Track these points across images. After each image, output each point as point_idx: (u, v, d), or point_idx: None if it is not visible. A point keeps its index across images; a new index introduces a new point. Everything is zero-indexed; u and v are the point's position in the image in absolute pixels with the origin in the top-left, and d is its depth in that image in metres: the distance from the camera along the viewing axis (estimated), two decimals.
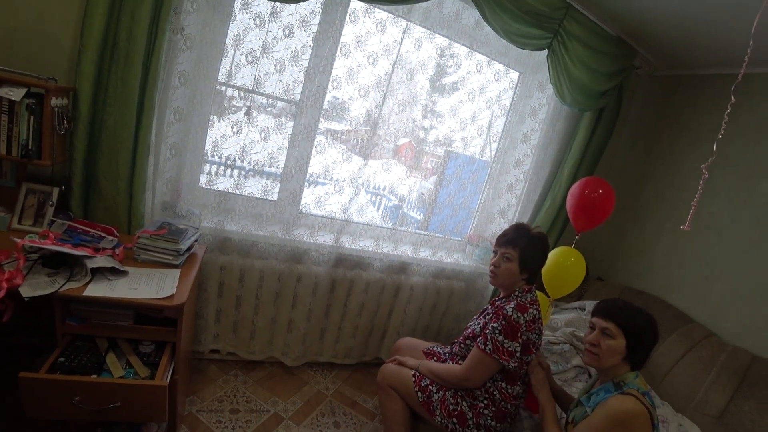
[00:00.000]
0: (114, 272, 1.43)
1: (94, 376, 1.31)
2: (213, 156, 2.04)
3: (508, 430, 1.67)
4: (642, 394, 1.23)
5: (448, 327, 2.74)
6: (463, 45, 2.25)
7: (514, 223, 1.85)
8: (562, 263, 2.12)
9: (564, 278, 2.12)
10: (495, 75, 2.42)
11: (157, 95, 1.67)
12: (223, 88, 1.96)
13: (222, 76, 1.91)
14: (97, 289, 1.32)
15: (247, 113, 1.98)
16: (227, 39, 1.84)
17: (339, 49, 1.99)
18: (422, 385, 1.67)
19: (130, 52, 1.57)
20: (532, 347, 1.57)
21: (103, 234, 1.60)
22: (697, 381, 2.07)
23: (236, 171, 2.09)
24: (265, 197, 2.11)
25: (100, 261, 1.41)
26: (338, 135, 2.29)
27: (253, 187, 2.08)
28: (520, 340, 1.53)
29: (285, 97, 2.01)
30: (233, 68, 1.91)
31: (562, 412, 1.63)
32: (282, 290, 2.18)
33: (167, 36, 1.62)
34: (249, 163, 2.05)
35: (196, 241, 1.76)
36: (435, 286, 2.54)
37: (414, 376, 1.71)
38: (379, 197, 2.61)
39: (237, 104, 2.02)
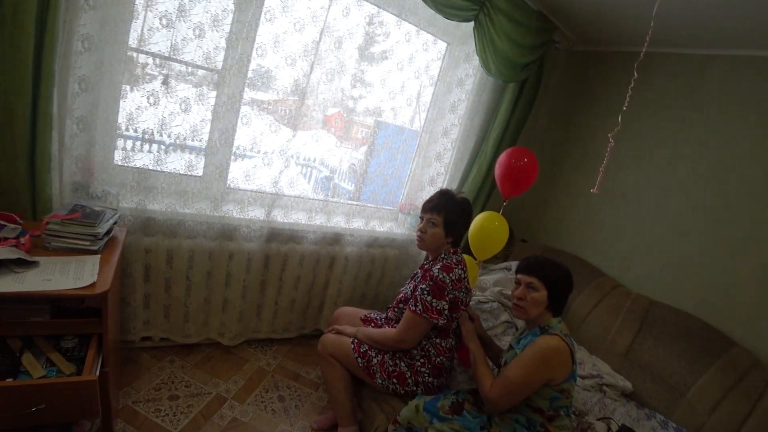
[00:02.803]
0: (21, 264, 1.28)
1: (10, 380, 1.18)
2: (128, 130, 1.86)
3: (445, 384, 1.79)
4: (564, 335, 1.40)
5: (384, 294, 2.81)
6: (392, 13, 2.23)
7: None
8: (486, 227, 2.23)
9: (489, 241, 2.24)
10: (423, 45, 2.43)
11: (57, 61, 1.46)
12: (135, 55, 1.77)
13: (133, 41, 1.72)
14: (2, 284, 1.18)
15: (164, 82, 1.82)
16: None
17: (263, 14, 1.89)
18: (361, 351, 1.73)
19: (17, 11, 1.36)
20: (460, 304, 1.69)
21: (3, 222, 1.42)
22: (607, 326, 2.34)
23: (156, 146, 1.93)
24: (189, 173, 1.98)
25: (2, 252, 1.26)
26: (265, 105, 2.20)
27: (176, 163, 1.94)
28: (447, 299, 1.63)
29: (206, 65, 1.88)
30: (146, 32, 1.73)
31: (495, 366, 1.78)
32: (214, 269, 2.11)
33: None
34: (169, 136, 1.91)
35: (115, 223, 1.63)
36: (369, 255, 2.59)
37: (353, 343, 1.77)
38: (309, 169, 2.57)
39: (152, 72, 1.85)
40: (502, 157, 2.27)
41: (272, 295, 2.36)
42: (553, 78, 3.15)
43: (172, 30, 1.76)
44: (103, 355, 1.39)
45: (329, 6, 1.99)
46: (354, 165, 2.65)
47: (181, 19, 1.75)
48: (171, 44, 1.78)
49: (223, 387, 2.05)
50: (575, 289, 2.46)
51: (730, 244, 2.24)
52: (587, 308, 2.44)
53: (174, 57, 1.80)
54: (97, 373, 1.31)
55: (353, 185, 2.65)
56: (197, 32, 1.79)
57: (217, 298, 2.17)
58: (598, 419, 1.73)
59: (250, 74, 1.97)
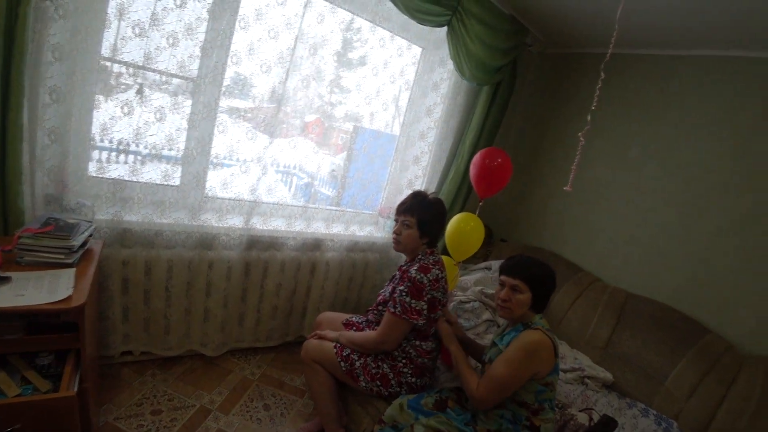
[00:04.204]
0: None
1: None
2: (102, 141, 1.83)
3: (428, 384, 1.80)
4: (546, 330, 1.44)
5: (366, 298, 2.82)
6: (366, 19, 2.26)
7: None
8: (462, 228, 2.27)
9: (465, 242, 2.28)
10: (398, 50, 2.46)
11: (27, 72, 1.44)
12: (108, 64, 1.75)
13: (106, 50, 1.70)
14: None
15: (139, 92, 1.80)
16: (109, 7, 1.64)
17: (237, 22, 1.89)
18: (344, 354, 1.74)
19: None
20: (438, 305, 1.71)
21: None
22: (586, 320, 2.40)
23: (131, 156, 1.91)
24: (166, 183, 1.97)
25: None
26: (242, 113, 2.19)
27: (152, 173, 1.92)
28: (425, 299, 1.65)
29: (180, 74, 1.87)
30: (118, 41, 1.71)
31: (477, 363, 1.80)
32: (194, 279, 2.08)
33: (33, 3, 1.40)
34: (145, 146, 1.89)
35: (90, 235, 1.60)
36: (350, 260, 2.60)
37: (335, 347, 1.77)
38: (290, 176, 2.57)
39: (126, 82, 1.83)
40: (477, 158, 2.31)
41: (254, 303, 2.34)
42: (526, 80, 3.23)
43: (145, 39, 1.74)
44: (81, 371, 1.36)
45: (303, 13, 2.00)
46: (334, 171, 2.66)
47: (155, 27, 1.74)
48: (144, 53, 1.77)
49: (207, 399, 2.02)
50: None
51: (700, 236, 2.33)
52: (567, 304, 2.50)
53: (148, 66, 1.79)
54: (75, 390, 1.28)
55: (334, 191, 2.66)
56: (171, 41, 1.79)
57: (198, 308, 2.15)
58: (581, 410, 1.76)
59: (227, 82, 1.97)
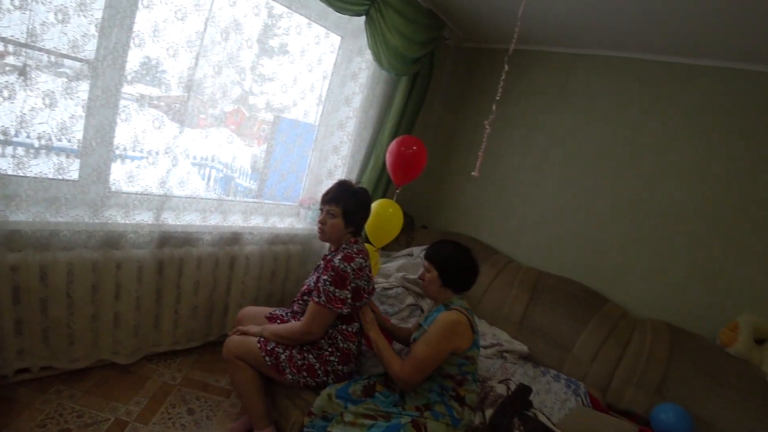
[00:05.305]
0: None
1: None
2: None
3: (355, 370, 1.83)
4: (465, 309, 1.56)
5: (290, 291, 2.76)
6: (282, 4, 2.19)
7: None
8: (381, 214, 2.31)
9: (384, 228, 2.33)
10: (315, 38, 2.42)
11: None
12: None
13: None
14: None
15: (22, 73, 1.60)
16: None
17: (140, 0, 1.74)
18: (268, 348, 1.70)
19: None
20: (362, 293, 1.74)
21: None
22: (503, 298, 2.57)
23: (14, 147, 1.69)
24: (60, 177, 1.76)
25: None
26: (150, 100, 2.03)
27: (42, 166, 1.71)
28: (349, 288, 1.67)
29: (73, 55, 1.68)
30: None
31: (404, 347, 1.86)
32: (99, 282, 1.90)
33: None
34: (31, 136, 1.68)
35: None
36: (272, 253, 2.53)
37: (259, 342, 1.72)
38: (207, 169, 2.43)
39: (5, 61, 1.61)
40: (392, 146, 2.36)
41: (170, 304, 2.19)
42: (444, 71, 3.35)
43: (27, 12, 1.54)
44: None
45: None
46: (255, 162, 2.57)
47: (39, 0, 1.54)
48: (28, 29, 1.56)
49: (123, 410, 1.86)
50: None
51: (597, 216, 2.60)
52: (485, 284, 2.66)
53: (32, 44, 1.59)
54: None
55: (255, 183, 2.57)
56: (60, 16, 1.59)
57: (107, 313, 1.97)
58: (499, 382, 1.88)
59: (135, 66, 1.81)
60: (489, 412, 1.67)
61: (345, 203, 1.75)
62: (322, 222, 1.78)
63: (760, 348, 2.04)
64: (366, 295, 1.76)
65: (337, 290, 1.65)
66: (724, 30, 1.99)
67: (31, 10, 1.54)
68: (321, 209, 1.81)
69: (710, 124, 2.31)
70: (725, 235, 2.23)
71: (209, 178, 2.44)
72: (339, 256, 1.70)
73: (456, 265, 1.63)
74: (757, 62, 2.17)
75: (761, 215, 2.15)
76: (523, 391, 1.77)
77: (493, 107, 1.68)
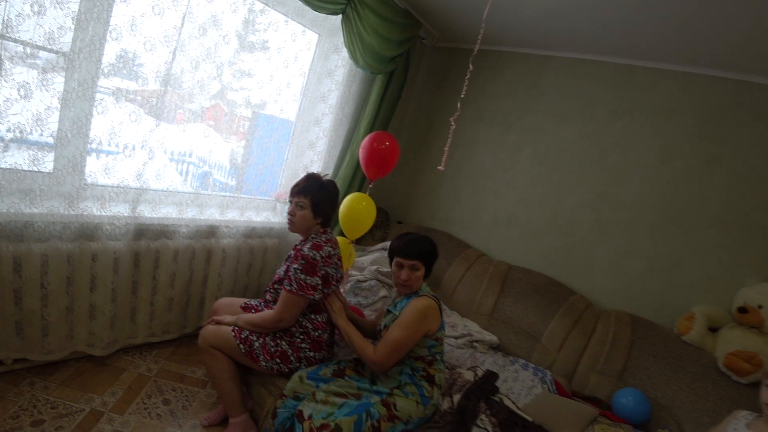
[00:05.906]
0: None
1: None
2: None
3: (327, 357, 1.88)
4: (432, 295, 1.66)
5: (266, 284, 2.77)
6: (259, 1, 2.22)
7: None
8: (354, 207, 2.36)
9: (358, 221, 2.37)
10: (292, 36, 2.46)
11: None
12: None
13: None
14: None
15: None
16: None
17: None
18: (242, 336, 1.74)
19: None
20: (331, 280, 1.80)
21: None
22: (474, 291, 2.65)
23: None
24: (35, 168, 1.77)
25: None
26: (129, 95, 2.04)
27: (17, 157, 1.72)
28: (319, 275, 1.73)
29: (49, 47, 1.70)
30: None
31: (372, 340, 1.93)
32: (75, 273, 1.91)
33: None
34: (7, 128, 1.68)
35: None
36: (248, 246, 2.57)
37: (233, 330, 1.76)
38: (186, 164, 2.45)
39: None
40: (365, 141, 2.41)
41: (146, 296, 2.21)
42: (420, 70, 3.43)
43: (3, 3, 1.55)
44: None
45: None
46: (233, 158, 2.59)
47: None
48: (3, 20, 1.57)
49: (98, 401, 1.87)
50: (446, 261, 2.76)
51: (564, 212, 2.70)
52: (457, 278, 2.74)
53: (7, 35, 1.60)
54: None
55: (234, 179, 2.59)
56: (36, 8, 1.61)
57: (82, 305, 1.97)
58: (468, 369, 1.96)
59: (111, 60, 1.83)
60: (457, 398, 1.74)
61: (313, 195, 1.81)
62: (291, 213, 1.84)
63: (713, 336, 2.16)
64: (334, 282, 1.82)
65: (308, 277, 1.70)
66: (685, 37, 2.11)
67: (6, 1, 1.55)
68: (290, 201, 1.86)
69: (671, 125, 2.43)
70: (683, 230, 2.36)
71: (186, 174, 2.46)
72: (308, 245, 1.76)
73: (437, 257, 1.73)
74: (715, 68, 2.31)
75: (716, 211, 2.28)
76: (489, 376, 1.85)
77: (458, 104, 1.76)
